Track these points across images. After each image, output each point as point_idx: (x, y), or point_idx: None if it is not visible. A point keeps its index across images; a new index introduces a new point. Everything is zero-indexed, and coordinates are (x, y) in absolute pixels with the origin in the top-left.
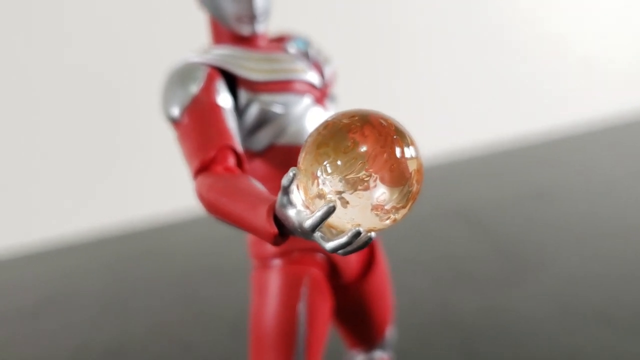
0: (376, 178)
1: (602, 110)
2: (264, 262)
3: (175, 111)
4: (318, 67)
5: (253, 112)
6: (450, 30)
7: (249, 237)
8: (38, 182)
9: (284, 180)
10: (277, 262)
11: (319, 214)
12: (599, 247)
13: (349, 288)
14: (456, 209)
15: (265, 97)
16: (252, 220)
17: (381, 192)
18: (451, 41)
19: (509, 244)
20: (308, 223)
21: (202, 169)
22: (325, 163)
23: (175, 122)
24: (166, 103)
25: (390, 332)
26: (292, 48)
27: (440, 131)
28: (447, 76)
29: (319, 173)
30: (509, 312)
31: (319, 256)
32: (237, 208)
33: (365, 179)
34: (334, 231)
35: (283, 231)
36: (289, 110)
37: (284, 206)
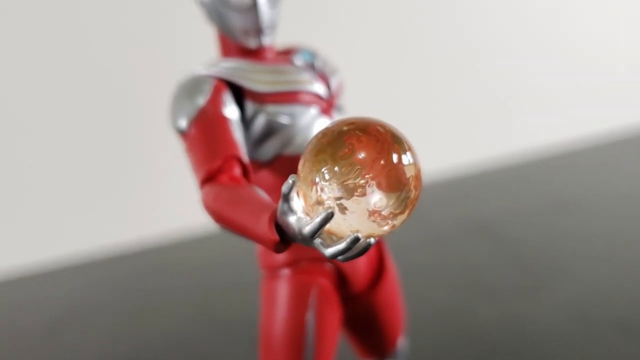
0: (373, 184)
1: (623, 120)
2: (272, 272)
3: (183, 123)
4: (324, 78)
5: (260, 123)
6: (470, 38)
7: (257, 248)
8: (56, 200)
9: (284, 188)
10: (285, 272)
11: (317, 220)
12: (618, 257)
13: (359, 298)
14: (475, 221)
15: (272, 108)
16: (254, 228)
17: (378, 198)
18: (473, 51)
19: (528, 255)
20: (307, 229)
21: (208, 179)
22: (323, 170)
23: (182, 133)
24: (174, 115)
25: (402, 342)
26: (298, 60)
27: (459, 144)
28: (466, 89)
29: (317, 180)
30: (528, 323)
31: (327, 266)
32: (241, 216)
33: (362, 185)
34: (334, 238)
35: (285, 238)
36: (296, 120)
37: (284, 213)
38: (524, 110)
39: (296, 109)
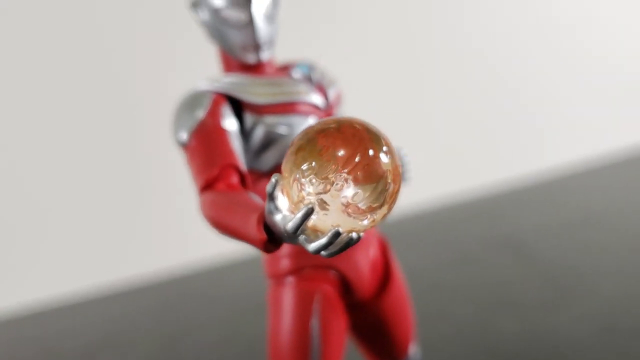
0: (349, 178)
1: None
2: (278, 280)
3: (184, 136)
4: (322, 89)
5: (259, 134)
6: (497, 55)
7: (263, 258)
8: (90, 231)
9: (268, 187)
10: (290, 280)
11: (298, 216)
12: None
13: (366, 305)
14: (500, 239)
15: (270, 119)
16: (245, 230)
17: (355, 192)
18: (499, 67)
19: (552, 270)
20: (289, 225)
21: (206, 187)
22: (302, 167)
23: (183, 146)
24: (175, 129)
25: (413, 350)
26: (296, 73)
27: (485, 163)
28: (489, 107)
29: (297, 176)
30: (553, 336)
31: (331, 273)
32: (233, 219)
33: (339, 179)
34: (319, 235)
35: (274, 238)
36: (294, 131)
37: (271, 212)
38: (548, 128)
39: (294, 119)
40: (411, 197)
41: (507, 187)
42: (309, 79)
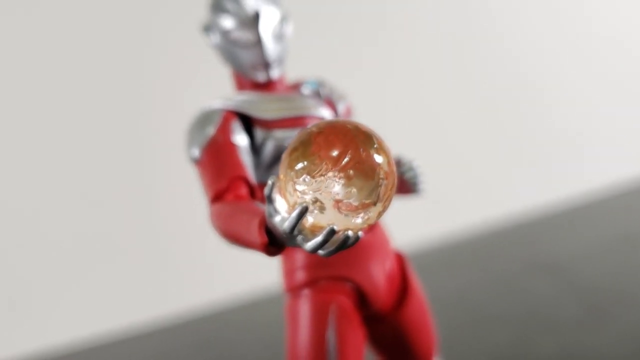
0: (341, 176)
1: None
2: (294, 293)
3: (196, 152)
4: (331, 104)
5: (269, 148)
6: (536, 74)
7: (282, 272)
8: (105, 275)
9: (265, 190)
10: (305, 292)
11: (293, 216)
12: None
13: (385, 319)
14: (541, 261)
15: (279, 134)
16: (248, 235)
17: (346, 189)
18: (537, 88)
19: (593, 292)
20: (285, 225)
21: (215, 199)
22: (296, 167)
23: (196, 161)
24: (188, 146)
25: None
26: (306, 89)
27: (523, 187)
28: (528, 130)
29: (292, 177)
30: (590, 356)
31: (347, 285)
32: (238, 226)
33: (331, 178)
34: (318, 234)
35: (277, 241)
36: None
37: (270, 215)
38: (586, 150)
39: None
40: (452, 224)
41: (546, 211)
42: (317, 95)
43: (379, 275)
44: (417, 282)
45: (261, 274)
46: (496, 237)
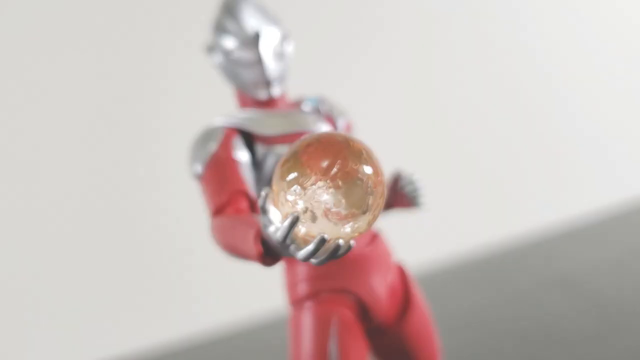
0: (330, 185)
1: None
2: (297, 305)
3: (199, 167)
4: (330, 120)
5: (270, 164)
6: (560, 94)
7: (285, 286)
8: (108, 299)
9: (259, 201)
10: (307, 304)
11: (285, 225)
12: None
13: (388, 331)
14: (555, 276)
15: (280, 149)
16: (244, 246)
17: (335, 199)
18: (542, 105)
19: (607, 306)
20: (277, 235)
21: (216, 213)
22: (287, 178)
23: (198, 177)
24: (191, 162)
25: None
26: (306, 106)
27: (537, 204)
28: (540, 146)
29: (284, 187)
30: None
31: (348, 297)
32: (235, 238)
33: (320, 187)
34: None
35: (273, 251)
36: None
37: (265, 226)
38: (599, 166)
39: None
40: (466, 242)
41: (560, 227)
42: (318, 111)
43: (380, 288)
44: (420, 294)
45: (267, 298)
46: (511, 254)
